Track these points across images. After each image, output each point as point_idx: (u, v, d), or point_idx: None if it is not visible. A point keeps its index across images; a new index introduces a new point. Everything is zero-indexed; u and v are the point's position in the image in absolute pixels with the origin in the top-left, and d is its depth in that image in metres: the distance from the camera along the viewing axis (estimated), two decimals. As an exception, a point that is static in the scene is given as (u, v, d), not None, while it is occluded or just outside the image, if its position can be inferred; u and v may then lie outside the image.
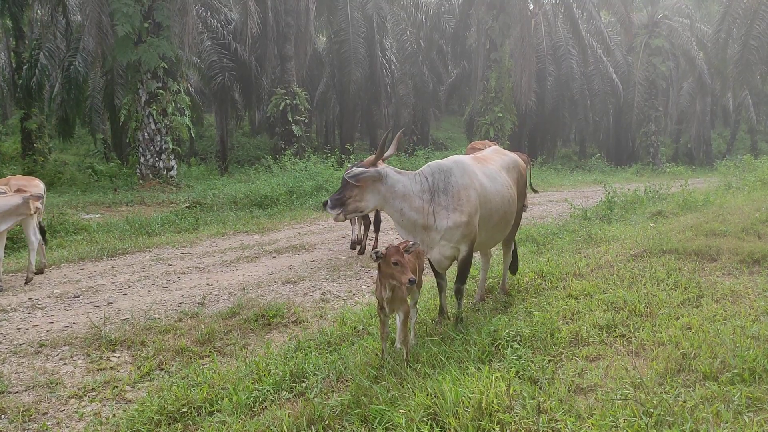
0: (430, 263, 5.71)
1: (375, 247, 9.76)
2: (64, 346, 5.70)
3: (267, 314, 6.45)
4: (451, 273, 6.25)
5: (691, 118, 39.06)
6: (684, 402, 3.77)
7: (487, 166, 5.89)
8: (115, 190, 19.08)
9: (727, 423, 3.55)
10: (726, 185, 16.36)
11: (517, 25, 27.38)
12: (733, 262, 7.52)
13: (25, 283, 8.09)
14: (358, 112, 33.71)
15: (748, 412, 3.71)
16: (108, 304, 7.09)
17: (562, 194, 18.57)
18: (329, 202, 5.12)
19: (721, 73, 32.36)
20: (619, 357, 4.63)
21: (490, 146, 7.73)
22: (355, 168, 5.17)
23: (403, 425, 3.63)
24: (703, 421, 3.56)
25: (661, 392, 3.91)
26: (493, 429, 3.53)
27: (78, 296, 7.43)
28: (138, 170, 20.40)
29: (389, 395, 4.01)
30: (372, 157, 5.26)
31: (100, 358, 5.43)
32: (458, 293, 5.66)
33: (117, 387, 4.83)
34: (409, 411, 3.76)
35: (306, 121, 28.04)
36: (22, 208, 7.83)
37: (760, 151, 35.10)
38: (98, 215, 14.33)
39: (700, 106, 38.15)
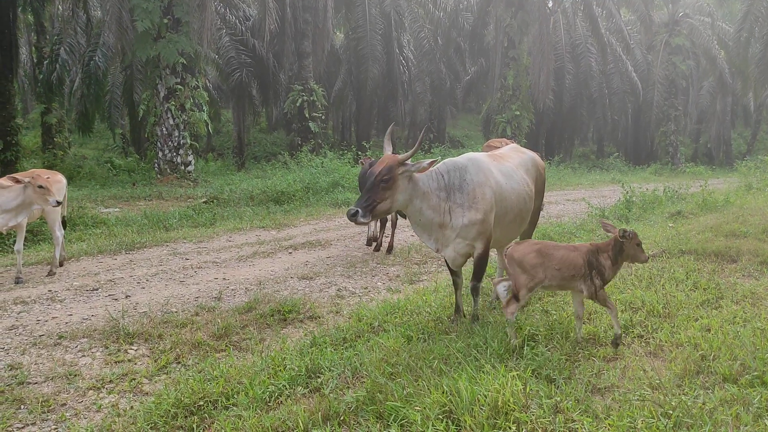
0: (445, 261, 5.71)
1: (391, 244, 9.76)
2: (83, 338, 5.75)
3: (283, 309, 6.46)
4: (468, 271, 6.24)
5: (711, 117, 38.67)
6: (703, 404, 3.73)
7: (503, 163, 5.86)
8: (134, 185, 19.24)
9: (746, 426, 3.52)
10: (746, 186, 16.18)
11: (536, 23, 27.23)
12: (754, 264, 7.45)
13: (48, 275, 8.19)
14: (375, 109, 33.70)
15: (768, 415, 3.67)
16: (126, 297, 7.15)
17: (580, 193, 18.46)
18: (360, 211, 4.91)
19: (742, 72, 32.00)
20: (636, 358, 4.60)
21: (506, 144, 7.69)
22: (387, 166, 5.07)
23: (419, 422, 3.63)
24: (722, 423, 3.53)
25: (679, 394, 3.88)
26: (509, 428, 3.52)
27: (97, 289, 7.50)
28: (156, 165, 20.54)
29: (405, 392, 4.01)
30: (404, 154, 5.16)
31: (118, 350, 5.47)
32: (474, 291, 5.64)
33: (134, 379, 4.86)
34: (424, 408, 3.75)
35: (323, 117, 28.10)
36: (32, 196, 7.76)
37: (782, 152, 34.67)
38: (117, 209, 14.45)
39: (721, 106, 37.75)
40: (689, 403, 3.71)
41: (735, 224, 9.51)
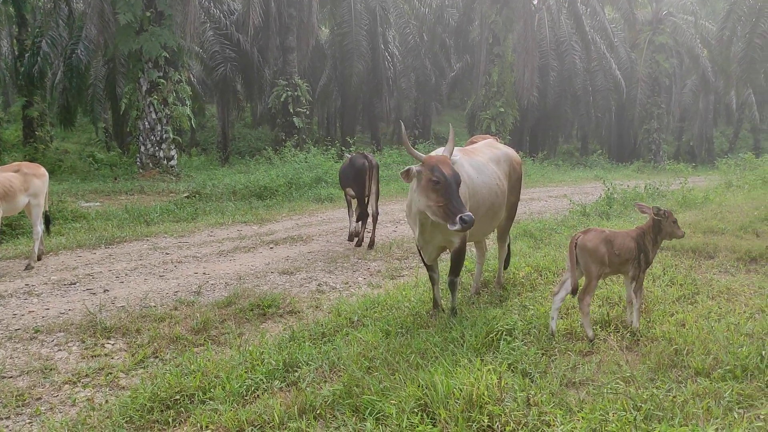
0: (421, 257, 5.73)
1: (372, 239, 9.75)
2: (60, 332, 5.71)
3: (262, 304, 6.44)
4: (447, 266, 6.26)
5: (694, 115, 39.01)
6: (674, 397, 3.79)
7: (474, 158, 5.89)
8: (115, 179, 19.10)
9: (717, 419, 3.57)
10: (726, 183, 16.37)
11: (521, 20, 27.28)
12: (730, 260, 7.55)
13: (25, 269, 8.11)
14: (360, 104, 33.67)
15: (738, 408, 3.73)
16: (104, 291, 7.10)
17: (562, 190, 18.54)
18: (471, 215, 4.78)
19: (724, 71, 32.15)
20: (612, 352, 4.64)
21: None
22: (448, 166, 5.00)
23: (394, 416, 3.64)
24: (693, 416, 3.58)
25: (652, 387, 3.92)
26: (483, 421, 3.54)
27: (74, 283, 7.44)
28: (138, 159, 20.40)
29: (381, 386, 4.03)
30: (447, 152, 5.19)
31: (95, 344, 5.44)
32: (452, 286, 5.67)
33: (111, 374, 4.83)
34: (400, 402, 3.77)
35: (307, 113, 28.02)
36: None
37: (763, 150, 35.04)
38: (97, 203, 14.34)
39: (703, 104, 38.08)
40: (661, 396, 3.76)
41: (713, 221, 9.63)
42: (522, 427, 3.51)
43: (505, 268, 6.95)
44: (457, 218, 4.69)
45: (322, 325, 5.67)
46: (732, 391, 3.87)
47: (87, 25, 21.15)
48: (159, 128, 20.00)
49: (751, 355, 4.31)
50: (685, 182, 13.72)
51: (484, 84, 28.52)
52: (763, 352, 4.33)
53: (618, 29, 36.36)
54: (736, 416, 3.60)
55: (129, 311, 6.26)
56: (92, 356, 5.21)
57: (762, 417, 3.58)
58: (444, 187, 4.80)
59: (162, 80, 19.79)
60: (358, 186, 9.63)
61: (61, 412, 4.25)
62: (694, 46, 33.96)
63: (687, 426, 3.42)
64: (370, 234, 9.90)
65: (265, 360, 4.71)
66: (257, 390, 4.31)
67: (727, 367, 4.20)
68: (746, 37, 28.12)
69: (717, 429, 3.43)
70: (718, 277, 6.88)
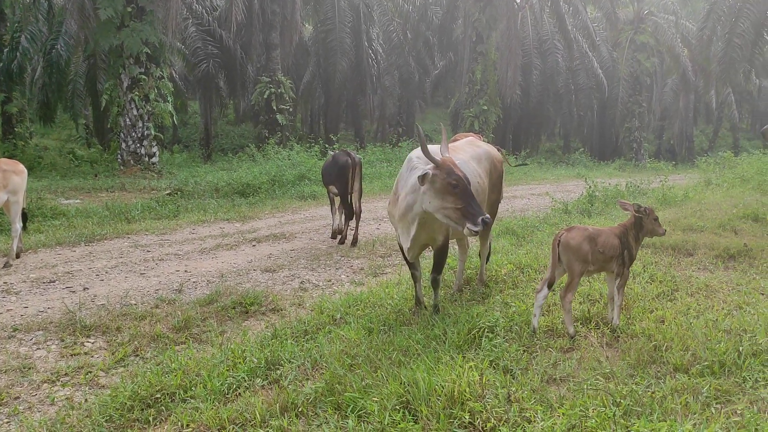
0: (403, 255, 5.74)
1: (355, 237, 9.74)
2: (38, 330, 5.64)
3: (245, 302, 6.41)
4: (429, 264, 6.28)
5: (674, 114, 39.35)
6: (653, 393, 3.83)
7: (454, 155, 5.90)
8: (96, 176, 18.90)
9: (695, 414, 3.61)
10: (706, 182, 16.55)
11: (504, 18, 27.38)
12: (709, 257, 7.64)
13: (3, 267, 8.00)
14: (344, 102, 33.63)
15: (716, 403, 3.77)
16: (84, 289, 7.03)
17: (544, 188, 18.63)
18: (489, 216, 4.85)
19: (704, 70, 32.53)
20: (592, 348, 4.68)
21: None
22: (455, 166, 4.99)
23: (376, 413, 3.65)
24: (671, 412, 3.62)
25: (631, 383, 3.97)
26: (464, 417, 3.56)
27: (54, 281, 7.36)
28: (119, 156, 20.20)
29: (363, 383, 4.03)
30: (440, 149, 5.18)
31: (75, 343, 5.38)
32: (434, 283, 5.68)
33: (91, 372, 4.78)
34: (382, 399, 3.78)
35: (291, 110, 27.94)
36: None
37: (742, 149, 35.43)
38: (77, 200, 14.19)
39: (684, 103, 38.42)
40: (640, 392, 3.80)
41: (692, 219, 9.74)
42: (503, 424, 3.54)
43: (485, 263, 6.98)
44: (479, 220, 4.70)
45: (305, 322, 5.65)
46: (710, 386, 3.92)
47: (67, 20, 20.90)
48: (140, 125, 19.82)
49: (728, 351, 4.37)
50: (665, 180, 13.87)
51: (467, 82, 28.62)
52: (741, 348, 4.40)
53: (600, 28, 36.64)
54: (713, 411, 3.65)
55: (109, 309, 6.20)
56: (72, 355, 5.16)
57: (739, 412, 3.63)
58: (462, 190, 4.80)
59: (143, 76, 19.60)
60: (341, 183, 9.62)
61: (39, 412, 4.20)
62: (675, 45, 34.25)
63: (665, 421, 3.46)
64: (353, 231, 9.89)
65: (247, 358, 4.69)
66: (239, 388, 4.29)
67: (705, 363, 4.25)
68: (726, 37, 28.39)
69: (695, 424, 3.47)
70: (697, 274, 6.97)
